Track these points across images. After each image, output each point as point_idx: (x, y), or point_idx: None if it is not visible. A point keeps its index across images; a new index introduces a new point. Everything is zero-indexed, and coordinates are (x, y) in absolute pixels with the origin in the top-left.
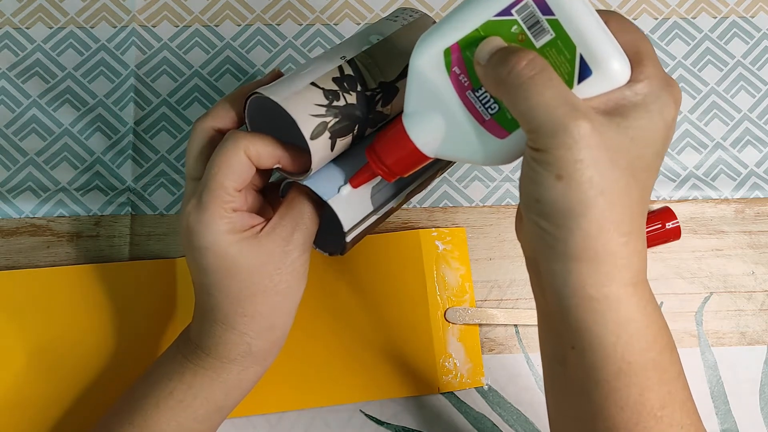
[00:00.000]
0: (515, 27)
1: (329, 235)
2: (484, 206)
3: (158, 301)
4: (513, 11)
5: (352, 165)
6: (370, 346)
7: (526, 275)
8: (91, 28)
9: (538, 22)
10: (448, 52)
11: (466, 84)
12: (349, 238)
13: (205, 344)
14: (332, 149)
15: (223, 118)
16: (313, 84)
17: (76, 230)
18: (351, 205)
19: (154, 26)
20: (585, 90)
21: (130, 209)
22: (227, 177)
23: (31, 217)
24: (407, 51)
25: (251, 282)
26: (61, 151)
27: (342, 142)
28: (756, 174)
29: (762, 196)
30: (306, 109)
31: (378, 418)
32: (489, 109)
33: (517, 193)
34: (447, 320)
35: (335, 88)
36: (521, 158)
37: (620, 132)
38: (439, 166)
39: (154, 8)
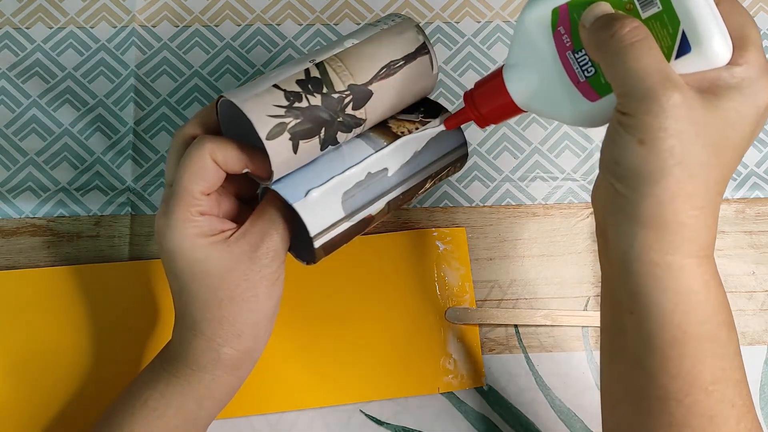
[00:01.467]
0: None
1: (304, 242)
2: (484, 206)
3: (158, 301)
4: None
5: (327, 170)
6: (370, 346)
7: (527, 275)
8: (91, 28)
9: None
10: (556, 12)
11: (568, 44)
12: (317, 244)
13: (178, 351)
14: (295, 151)
15: (200, 125)
16: (275, 86)
17: (76, 230)
18: (319, 209)
19: (154, 26)
20: (682, 65)
21: (130, 209)
22: (192, 180)
23: (31, 217)
24: (379, 55)
25: (218, 287)
26: (61, 151)
27: (307, 145)
28: (756, 174)
29: (762, 196)
30: (264, 110)
31: (378, 418)
32: (585, 72)
33: (517, 194)
34: (447, 320)
35: (298, 89)
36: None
37: (710, 110)
38: (429, 174)
39: (154, 8)
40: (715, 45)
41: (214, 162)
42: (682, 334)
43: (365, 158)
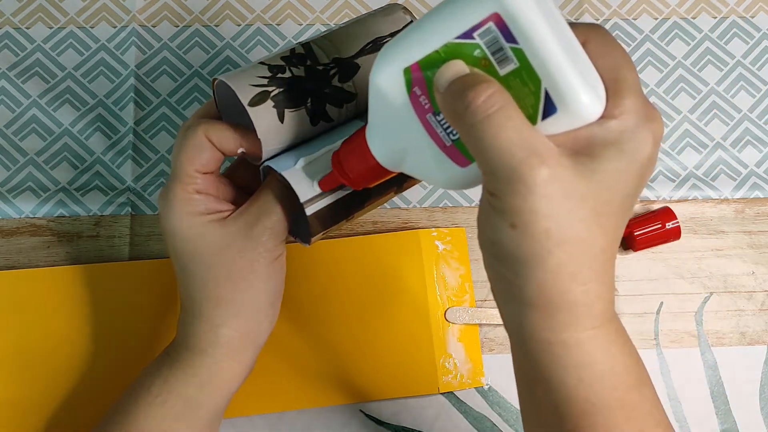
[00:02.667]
0: (478, 51)
1: (302, 222)
2: None
3: (158, 301)
4: (475, 35)
5: (321, 145)
6: (370, 346)
7: None
8: (91, 28)
9: (501, 49)
10: (408, 71)
11: (426, 106)
12: (309, 211)
13: (180, 335)
14: (281, 119)
15: (202, 116)
16: (260, 63)
17: (76, 230)
18: (309, 176)
19: (154, 26)
20: (550, 126)
21: (130, 209)
22: (187, 159)
23: (31, 217)
24: (364, 33)
25: (213, 265)
26: (61, 151)
27: (294, 114)
28: (756, 174)
29: (762, 196)
30: (247, 80)
31: (378, 418)
32: (451, 135)
33: None
34: (447, 320)
35: (282, 63)
36: None
37: (586, 176)
38: None
39: (154, 8)
40: (582, 102)
41: (209, 141)
42: (590, 406)
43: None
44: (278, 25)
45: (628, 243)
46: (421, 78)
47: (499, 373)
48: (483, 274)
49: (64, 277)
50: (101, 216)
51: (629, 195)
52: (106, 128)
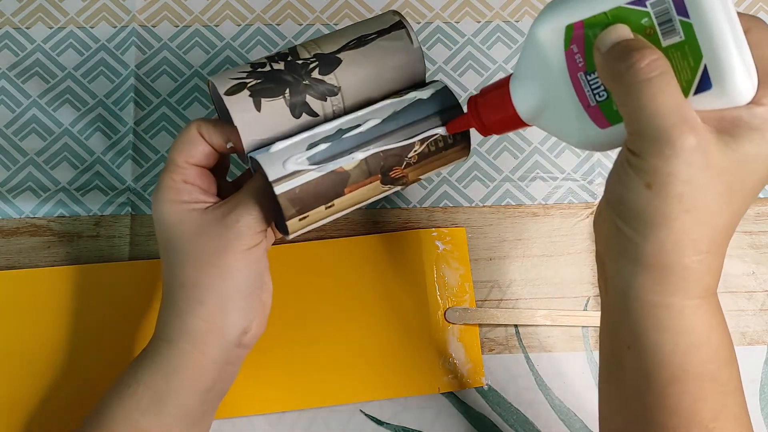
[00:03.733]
0: (646, 20)
1: (279, 210)
2: (484, 206)
3: (158, 301)
4: (648, 3)
5: (302, 135)
6: (370, 346)
7: (527, 275)
8: (91, 28)
9: (670, 20)
10: (570, 28)
11: (580, 64)
12: (279, 190)
13: (156, 326)
14: (258, 109)
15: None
16: (246, 63)
17: (76, 230)
18: (281, 158)
19: (154, 26)
20: (701, 102)
21: (130, 209)
22: (177, 150)
23: (31, 217)
24: (351, 32)
25: (185, 249)
26: (61, 151)
27: (272, 104)
28: None
29: (762, 196)
30: (228, 75)
31: (378, 418)
32: (597, 96)
33: (517, 194)
34: (447, 320)
35: (263, 60)
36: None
37: (727, 153)
38: (414, 134)
39: (154, 8)
40: (738, 84)
41: (199, 135)
42: (682, 372)
43: (339, 118)
44: (278, 25)
45: None
46: (581, 36)
47: (499, 373)
48: (483, 274)
49: (64, 277)
50: (101, 216)
51: (760, 181)
52: (106, 128)
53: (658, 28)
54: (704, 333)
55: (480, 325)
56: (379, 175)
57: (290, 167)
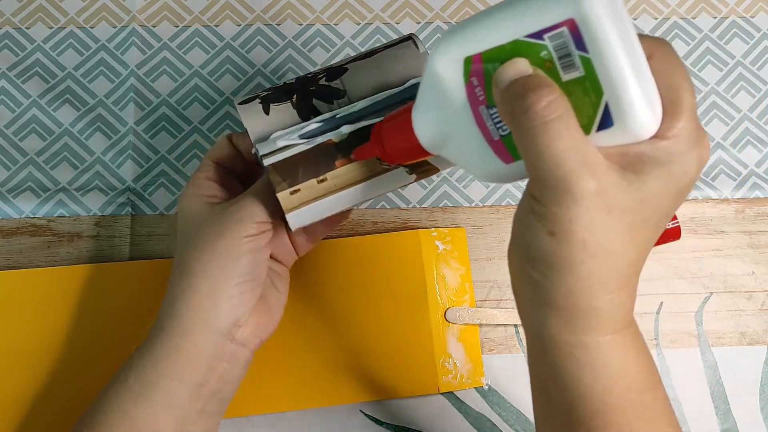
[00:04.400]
0: (545, 53)
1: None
2: (484, 206)
3: (158, 301)
4: (546, 37)
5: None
6: (370, 346)
7: None
8: (91, 28)
9: (569, 55)
10: (469, 61)
11: (481, 98)
12: (268, 162)
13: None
14: (267, 111)
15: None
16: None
17: (76, 230)
18: (274, 138)
19: (154, 26)
20: (604, 138)
21: (130, 209)
22: (208, 152)
23: (31, 217)
24: (362, 54)
25: (187, 235)
26: (61, 151)
27: (278, 107)
28: (756, 174)
29: (762, 196)
30: (246, 95)
31: (378, 418)
32: (500, 130)
33: (517, 194)
34: (447, 320)
35: (280, 84)
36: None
37: (630, 192)
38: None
39: (154, 8)
40: (639, 120)
41: (228, 141)
42: (603, 405)
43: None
44: (278, 25)
45: None
46: (480, 69)
47: (499, 373)
48: (483, 274)
49: (64, 277)
50: (101, 216)
51: (666, 214)
52: (106, 128)
53: (557, 62)
54: (622, 365)
55: (480, 325)
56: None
57: (281, 143)
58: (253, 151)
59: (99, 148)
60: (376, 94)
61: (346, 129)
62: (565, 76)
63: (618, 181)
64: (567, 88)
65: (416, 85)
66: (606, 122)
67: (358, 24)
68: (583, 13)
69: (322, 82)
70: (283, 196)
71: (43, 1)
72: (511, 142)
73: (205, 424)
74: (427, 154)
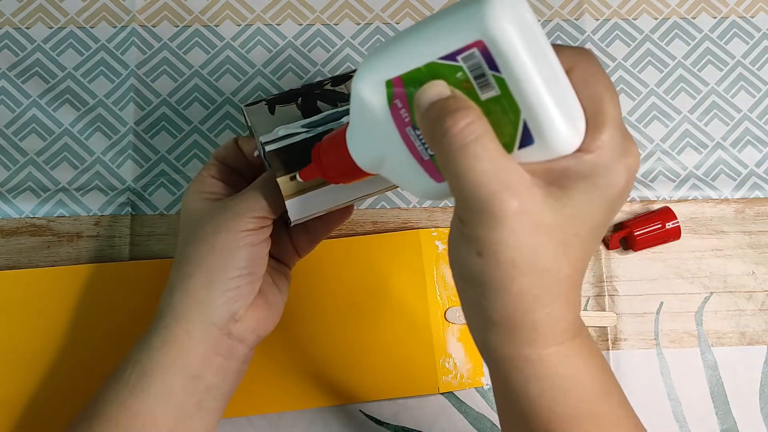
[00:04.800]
0: (461, 74)
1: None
2: None
3: (158, 300)
4: (459, 58)
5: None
6: (370, 346)
7: None
8: (91, 28)
9: (484, 75)
10: (390, 84)
11: (406, 120)
12: (269, 148)
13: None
14: (272, 112)
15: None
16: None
17: (76, 230)
18: (279, 132)
19: (154, 26)
20: (526, 156)
21: (130, 209)
22: (216, 152)
23: (31, 217)
24: None
25: (188, 230)
26: (61, 151)
27: (283, 109)
28: (756, 174)
29: (762, 196)
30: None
31: (378, 418)
32: (429, 150)
33: None
34: (447, 320)
35: (286, 90)
36: None
37: (556, 208)
38: None
39: (154, 8)
40: (560, 136)
41: (234, 142)
42: (554, 416)
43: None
44: (278, 25)
45: (628, 243)
46: (403, 92)
47: None
48: None
49: (64, 277)
50: (101, 216)
51: (598, 226)
52: (106, 128)
53: (474, 83)
54: (570, 376)
55: None
56: None
57: (282, 132)
58: (256, 153)
59: (99, 148)
60: None
61: (347, 119)
62: (483, 96)
63: (543, 198)
64: (486, 107)
65: None
66: (527, 140)
67: (358, 24)
68: (490, 34)
69: (328, 87)
70: (283, 181)
71: (43, 1)
72: None
73: (203, 420)
74: (365, 174)
